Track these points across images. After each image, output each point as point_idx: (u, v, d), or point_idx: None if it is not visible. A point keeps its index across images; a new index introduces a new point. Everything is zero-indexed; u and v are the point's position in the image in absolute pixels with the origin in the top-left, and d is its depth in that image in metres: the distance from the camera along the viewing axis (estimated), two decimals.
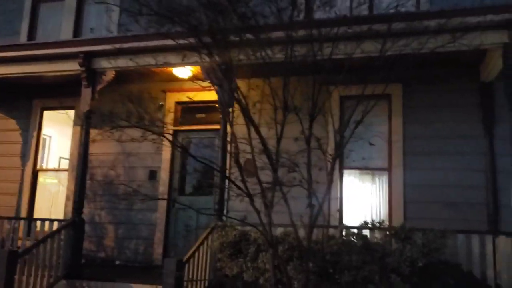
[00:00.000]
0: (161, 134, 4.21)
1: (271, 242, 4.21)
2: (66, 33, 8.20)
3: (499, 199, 6.14)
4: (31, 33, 8.59)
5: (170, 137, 5.78)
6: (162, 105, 7.62)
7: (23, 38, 8.50)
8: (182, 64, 5.94)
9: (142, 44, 5.60)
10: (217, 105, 6.14)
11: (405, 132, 6.68)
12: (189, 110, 7.71)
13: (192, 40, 4.24)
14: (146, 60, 5.82)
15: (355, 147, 6.83)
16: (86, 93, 6.44)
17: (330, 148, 5.41)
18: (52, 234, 5.80)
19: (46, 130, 8.70)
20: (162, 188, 7.40)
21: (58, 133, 9.33)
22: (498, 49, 5.49)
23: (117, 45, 5.97)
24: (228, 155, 6.45)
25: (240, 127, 4.90)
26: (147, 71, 6.90)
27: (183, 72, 6.83)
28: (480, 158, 6.32)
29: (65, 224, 6.09)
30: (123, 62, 6.12)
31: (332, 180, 4.55)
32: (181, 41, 4.23)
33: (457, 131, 6.49)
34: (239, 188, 4.43)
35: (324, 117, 4.84)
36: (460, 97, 6.57)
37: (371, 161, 6.84)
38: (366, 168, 6.81)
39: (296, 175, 4.75)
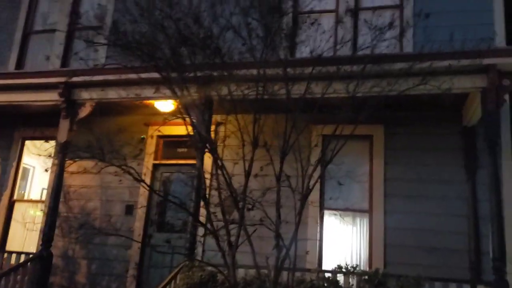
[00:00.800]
0: (119, 166, 4.08)
1: (234, 285, 4.02)
2: (54, 64, 8.22)
3: (481, 246, 5.95)
4: (20, 63, 8.61)
5: (142, 171, 5.68)
6: (143, 138, 7.54)
7: (11, 68, 8.53)
8: (155, 98, 5.92)
9: (117, 77, 5.57)
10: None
11: (387, 173, 6.55)
12: (171, 144, 7.63)
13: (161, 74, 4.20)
14: (118, 92, 5.79)
15: (337, 188, 6.74)
16: (64, 124, 6.38)
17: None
18: (16, 268, 5.60)
19: (29, 160, 8.60)
20: (138, 223, 7.21)
21: (42, 164, 9.22)
22: (478, 94, 5.46)
23: (97, 77, 5.96)
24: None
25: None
26: (129, 104, 6.86)
27: (165, 105, 6.78)
28: (462, 203, 6.19)
29: (31, 258, 5.89)
30: (100, 94, 6.08)
31: (300, 220, 4.39)
32: (145, 75, 4.18)
33: (440, 175, 6.36)
34: (203, 226, 4.30)
35: (294, 155, 4.71)
36: (443, 141, 6.48)
37: (353, 202, 6.70)
38: (347, 209, 6.65)
39: (268, 214, 4.64)
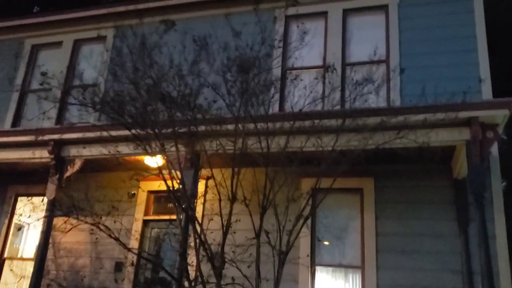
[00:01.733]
0: (94, 224, 4.05)
1: None
2: (49, 121, 8.38)
3: None
4: (16, 121, 8.79)
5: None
6: (134, 194, 7.52)
7: (7, 126, 8.69)
8: (134, 154, 6.00)
9: (98, 134, 5.66)
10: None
11: (378, 228, 6.43)
12: (161, 199, 7.60)
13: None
14: (100, 150, 5.88)
15: (329, 243, 6.62)
16: (53, 181, 6.40)
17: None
18: None
19: (24, 218, 8.57)
20: (127, 280, 7.06)
21: (38, 222, 9.18)
22: (463, 146, 5.44)
23: (86, 135, 6.05)
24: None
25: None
26: (119, 160, 6.91)
27: (153, 161, 6.80)
28: (456, 258, 6.03)
29: None
30: (87, 151, 6.15)
31: (279, 278, 4.28)
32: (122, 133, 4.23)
33: (432, 229, 6.24)
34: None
35: (274, 211, 4.66)
36: (435, 194, 6.39)
37: (345, 258, 6.56)
38: (339, 265, 6.50)
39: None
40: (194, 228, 4.41)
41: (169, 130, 5.80)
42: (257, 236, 4.48)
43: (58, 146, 6.43)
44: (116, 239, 4.38)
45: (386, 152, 5.55)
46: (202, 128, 5.54)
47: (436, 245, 6.16)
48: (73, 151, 6.39)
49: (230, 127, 4.84)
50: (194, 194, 5.87)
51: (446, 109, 4.88)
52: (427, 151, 5.56)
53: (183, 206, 5.15)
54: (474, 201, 5.23)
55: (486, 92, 6.68)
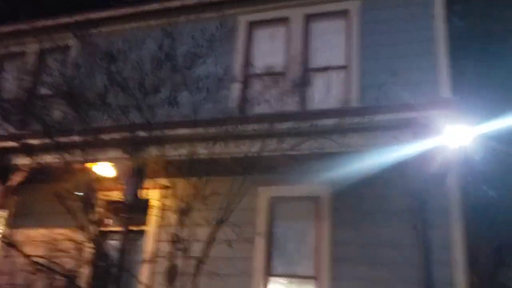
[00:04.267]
0: None
1: None
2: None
3: None
4: None
5: None
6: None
7: None
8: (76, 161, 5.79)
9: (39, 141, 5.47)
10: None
11: (334, 237, 6.20)
12: (118, 210, 7.37)
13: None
14: (44, 157, 5.66)
15: (284, 253, 6.39)
16: None
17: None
18: None
19: None
20: None
21: None
22: None
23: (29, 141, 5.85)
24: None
25: None
26: (72, 168, 6.70)
27: (104, 170, 6.60)
28: (414, 268, 5.76)
29: None
30: (29, 160, 5.94)
31: None
32: None
33: (390, 238, 6.00)
34: None
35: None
36: (392, 202, 6.16)
37: (299, 268, 6.32)
38: (293, 276, 6.25)
39: None
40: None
41: (111, 136, 5.65)
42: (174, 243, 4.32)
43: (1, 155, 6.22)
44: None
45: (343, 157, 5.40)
46: (146, 133, 5.40)
47: (394, 254, 5.91)
48: (16, 159, 6.16)
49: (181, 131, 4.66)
50: (137, 205, 5.70)
51: (386, 111, 4.69)
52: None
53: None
54: (422, 209, 5.00)
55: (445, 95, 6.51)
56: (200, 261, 4.28)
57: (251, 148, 5.32)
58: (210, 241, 4.67)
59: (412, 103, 4.80)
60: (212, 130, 5.54)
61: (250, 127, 5.32)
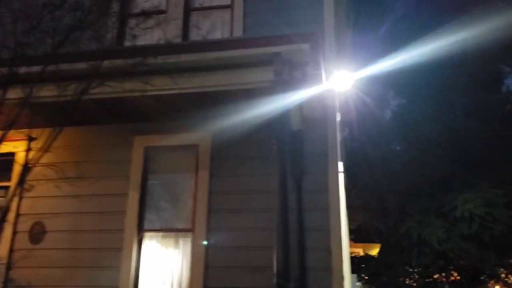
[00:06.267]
0: None
1: None
2: None
3: (306, 261, 5.41)
4: None
5: None
6: None
7: None
8: None
9: None
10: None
11: (212, 187, 5.90)
12: None
13: None
14: None
15: (160, 206, 6.05)
16: None
17: None
18: None
19: None
20: None
21: None
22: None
23: None
24: None
25: None
26: None
27: None
28: (289, 214, 5.61)
29: None
30: None
31: None
32: None
33: (266, 185, 5.76)
34: None
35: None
36: (268, 147, 5.90)
37: (176, 221, 6.02)
38: (170, 230, 5.95)
39: None
40: None
41: None
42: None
43: None
44: None
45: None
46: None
47: (270, 202, 5.72)
48: None
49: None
50: None
51: (246, 45, 4.30)
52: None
53: None
54: (296, 155, 4.77)
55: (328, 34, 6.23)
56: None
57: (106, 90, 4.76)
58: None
59: (270, 36, 4.42)
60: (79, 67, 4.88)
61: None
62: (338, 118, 7.40)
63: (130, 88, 4.85)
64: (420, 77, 13.21)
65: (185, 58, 4.38)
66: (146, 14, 6.87)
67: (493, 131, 14.18)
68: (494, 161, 13.14)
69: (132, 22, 6.90)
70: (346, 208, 14.17)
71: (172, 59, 4.41)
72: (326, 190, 5.63)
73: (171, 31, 6.71)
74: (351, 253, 15.73)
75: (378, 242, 17.89)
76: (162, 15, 6.99)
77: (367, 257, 15.50)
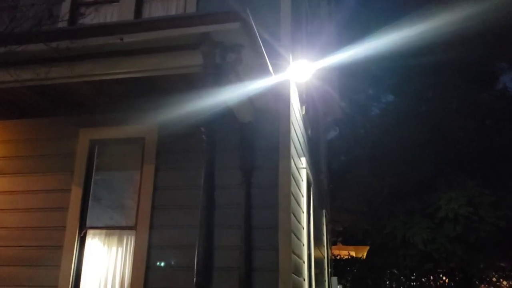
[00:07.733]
0: None
1: None
2: None
3: (253, 261, 5.07)
4: None
5: None
6: None
7: None
8: None
9: None
10: None
11: (157, 182, 5.57)
12: None
13: None
14: None
15: (103, 203, 5.74)
16: None
17: None
18: None
19: None
20: None
21: None
22: None
23: None
24: None
25: None
26: None
27: None
28: (236, 211, 5.30)
29: None
30: None
31: None
32: None
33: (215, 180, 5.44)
34: None
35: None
36: (219, 140, 5.57)
37: (120, 218, 5.69)
38: (113, 227, 5.62)
39: None
40: None
41: None
42: None
43: None
44: None
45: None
46: None
47: (218, 197, 5.38)
48: None
49: None
50: None
51: (173, 25, 3.95)
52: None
53: None
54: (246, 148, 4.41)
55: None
56: None
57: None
58: None
59: (198, 14, 4.07)
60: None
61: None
62: (303, 111, 7.05)
63: (57, 74, 4.52)
64: (404, 73, 12.84)
65: (103, 41, 4.04)
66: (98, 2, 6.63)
67: (483, 129, 13.78)
68: (481, 159, 12.73)
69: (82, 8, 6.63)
70: (330, 209, 13.82)
71: (92, 42, 4.07)
72: (276, 185, 5.27)
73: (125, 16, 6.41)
74: (336, 255, 15.32)
75: (368, 244, 17.48)
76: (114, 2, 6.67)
77: (352, 260, 15.08)
